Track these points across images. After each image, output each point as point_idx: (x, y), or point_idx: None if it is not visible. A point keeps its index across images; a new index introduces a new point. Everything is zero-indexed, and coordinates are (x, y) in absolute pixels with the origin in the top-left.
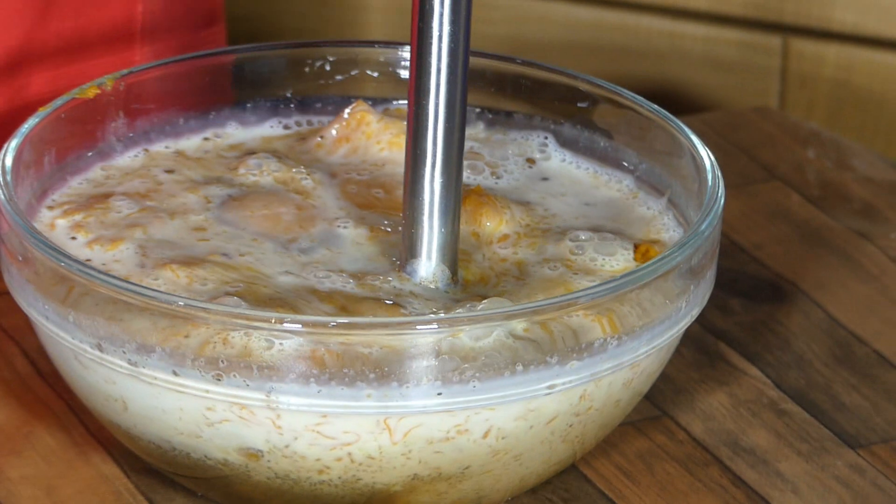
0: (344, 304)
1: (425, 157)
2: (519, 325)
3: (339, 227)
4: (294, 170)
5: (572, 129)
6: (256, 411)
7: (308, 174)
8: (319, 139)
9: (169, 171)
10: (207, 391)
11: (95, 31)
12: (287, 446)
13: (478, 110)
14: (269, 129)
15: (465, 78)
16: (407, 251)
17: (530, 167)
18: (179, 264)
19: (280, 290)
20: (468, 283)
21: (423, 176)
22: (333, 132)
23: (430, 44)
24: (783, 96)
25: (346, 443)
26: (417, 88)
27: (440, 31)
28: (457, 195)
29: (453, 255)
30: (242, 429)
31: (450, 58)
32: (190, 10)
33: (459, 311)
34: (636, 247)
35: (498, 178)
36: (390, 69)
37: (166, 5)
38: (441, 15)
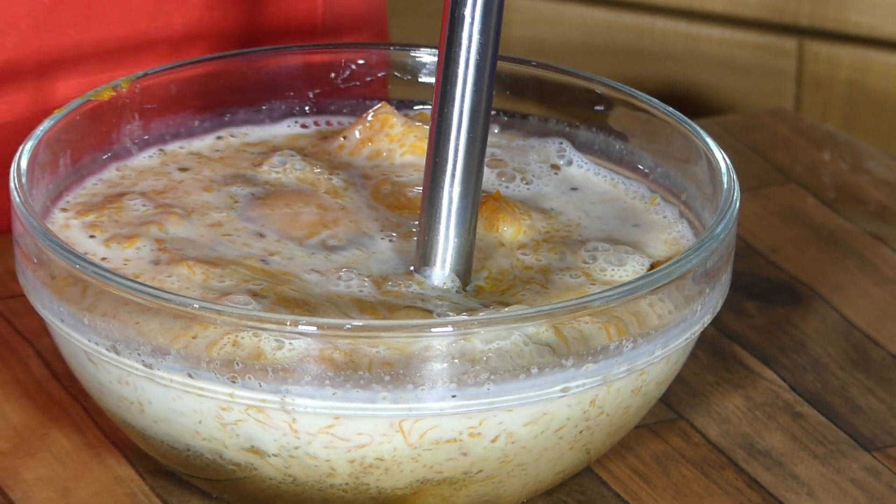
0: (383, 314)
1: (445, 165)
2: (534, 330)
3: (367, 229)
4: (318, 169)
5: (588, 133)
6: (271, 413)
7: (334, 174)
8: (342, 139)
9: (185, 170)
10: (222, 393)
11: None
12: (297, 448)
13: (493, 113)
14: (287, 128)
15: (490, 89)
16: (420, 258)
17: (556, 173)
18: (196, 261)
19: (302, 292)
20: (488, 290)
21: (441, 184)
22: (357, 133)
23: (459, 53)
24: (798, 98)
25: (360, 445)
26: (442, 96)
27: (469, 40)
28: (474, 205)
29: (466, 265)
30: (256, 430)
31: (477, 68)
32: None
33: (476, 315)
34: (652, 266)
35: (528, 183)
36: (407, 73)
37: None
38: (471, 25)
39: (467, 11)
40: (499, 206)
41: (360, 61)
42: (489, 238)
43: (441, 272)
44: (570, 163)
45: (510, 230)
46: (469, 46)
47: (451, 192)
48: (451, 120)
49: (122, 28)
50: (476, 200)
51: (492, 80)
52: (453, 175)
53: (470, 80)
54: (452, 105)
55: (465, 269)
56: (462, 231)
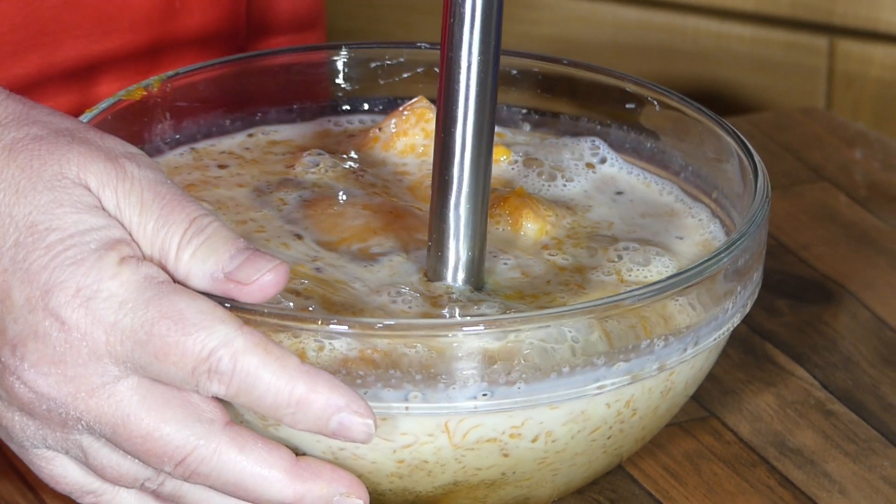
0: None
1: (452, 183)
2: (570, 327)
3: (408, 226)
4: (347, 164)
5: (619, 131)
6: None
7: (369, 170)
8: (377, 132)
9: (223, 167)
10: None
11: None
12: (342, 449)
13: (524, 111)
14: (317, 126)
15: (493, 106)
16: (433, 273)
17: (592, 172)
18: None
19: (347, 295)
20: (515, 295)
21: (448, 202)
22: (392, 127)
23: (459, 72)
24: (830, 97)
25: (405, 445)
26: (445, 117)
27: (469, 60)
28: (483, 220)
29: (478, 278)
30: (296, 431)
31: (478, 87)
32: (293, 14)
33: (510, 314)
34: None
35: (569, 181)
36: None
37: (270, 7)
38: (470, 45)
39: (465, 33)
40: (522, 202)
41: (401, 59)
42: (513, 237)
43: (454, 286)
44: (603, 161)
45: (534, 227)
46: (469, 66)
47: (458, 210)
48: (454, 140)
49: (151, 30)
50: (484, 216)
51: (494, 97)
52: (460, 193)
53: (472, 99)
54: (455, 125)
55: (476, 283)
56: (471, 247)
